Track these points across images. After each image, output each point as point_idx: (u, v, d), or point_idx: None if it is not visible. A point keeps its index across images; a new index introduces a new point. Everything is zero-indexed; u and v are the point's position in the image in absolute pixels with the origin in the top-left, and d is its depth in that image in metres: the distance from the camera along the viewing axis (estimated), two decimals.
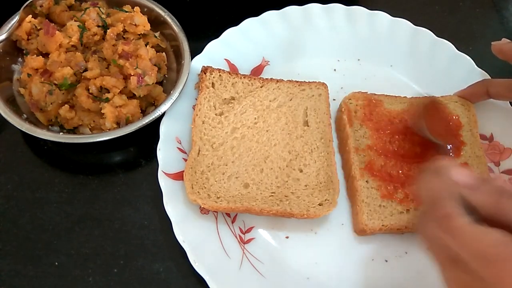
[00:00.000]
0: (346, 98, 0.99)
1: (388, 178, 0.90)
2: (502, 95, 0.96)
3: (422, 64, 1.08)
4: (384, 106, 0.98)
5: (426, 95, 1.03)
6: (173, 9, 1.02)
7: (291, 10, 1.10)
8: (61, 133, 0.91)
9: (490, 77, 1.02)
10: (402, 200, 0.89)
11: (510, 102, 1.00)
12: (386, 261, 0.88)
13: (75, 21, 0.95)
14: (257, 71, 1.05)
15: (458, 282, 0.61)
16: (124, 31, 0.97)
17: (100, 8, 0.98)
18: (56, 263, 0.85)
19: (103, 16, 0.97)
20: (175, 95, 0.93)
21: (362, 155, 0.93)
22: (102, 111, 0.90)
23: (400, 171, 0.91)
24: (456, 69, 1.05)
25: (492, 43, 0.97)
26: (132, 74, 0.91)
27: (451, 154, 0.94)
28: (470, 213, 0.59)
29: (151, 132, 0.93)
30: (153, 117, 0.91)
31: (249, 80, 1.00)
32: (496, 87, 0.96)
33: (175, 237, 0.84)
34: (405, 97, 1.01)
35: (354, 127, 0.96)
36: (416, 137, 0.94)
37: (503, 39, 0.98)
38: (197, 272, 0.81)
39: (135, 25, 0.97)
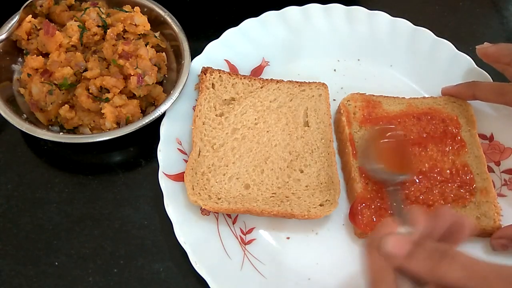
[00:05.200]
0: (344, 100, 0.99)
1: None
2: (489, 98, 0.97)
3: (422, 64, 1.07)
4: (383, 108, 0.98)
5: (425, 96, 1.03)
6: (173, 9, 1.02)
7: (291, 10, 1.10)
8: (61, 133, 0.91)
9: (490, 77, 1.02)
10: (402, 201, 0.88)
11: None
12: None
13: (75, 21, 0.95)
14: (257, 72, 1.05)
15: None
16: (124, 31, 0.97)
17: (100, 8, 0.98)
18: (56, 263, 0.85)
19: (103, 16, 0.97)
20: (175, 95, 0.93)
21: (362, 157, 0.92)
22: (102, 111, 0.90)
23: None
24: (456, 69, 1.05)
25: (476, 47, 0.97)
26: (132, 74, 0.91)
27: (406, 184, 0.90)
28: (412, 282, 0.63)
29: (151, 132, 0.93)
30: (153, 117, 0.91)
31: (249, 81, 1.00)
32: (482, 90, 0.97)
33: (175, 237, 0.84)
34: (404, 98, 1.01)
35: (353, 128, 0.96)
36: (416, 138, 0.95)
37: (485, 43, 0.98)
38: (197, 273, 0.81)
39: (135, 25, 0.97)
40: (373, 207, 0.88)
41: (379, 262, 0.66)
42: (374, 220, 0.86)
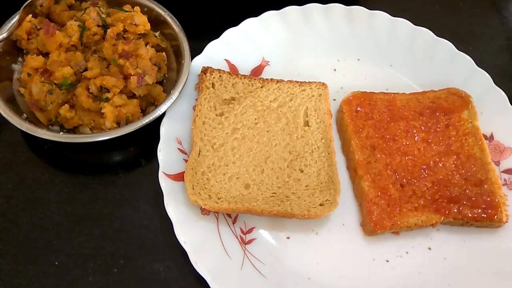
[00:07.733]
0: (346, 98, 0.99)
1: (394, 176, 0.91)
2: None
3: (422, 64, 1.08)
4: (385, 104, 0.98)
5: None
6: (173, 9, 1.02)
7: (291, 10, 1.10)
8: (61, 133, 0.91)
9: (490, 77, 1.02)
10: (410, 197, 0.89)
11: (510, 102, 1.00)
12: (387, 261, 0.88)
13: (75, 20, 0.95)
14: (257, 72, 1.05)
15: None
16: (124, 30, 0.97)
17: (100, 8, 0.98)
18: (56, 263, 0.85)
19: (103, 15, 0.97)
20: (175, 94, 0.93)
21: (367, 154, 0.93)
22: (102, 111, 0.90)
23: (406, 168, 0.91)
24: (456, 68, 1.05)
25: None
26: (132, 73, 0.91)
27: None
28: None
29: (151, 132, 0.93)
30: (153, 117, 0.91)
31: (249, 81, 1.00)
32: None
33: (175, 237, 0.84)
34: (404, 93, 1.01)
35: (356, 126, 0.96)
36: (419, 134, 0.95)
37: None
38: (197, 272, 0.81)
39: (135, 24, 0.97)
40: (382, 202, 0.88)
41: None
42: (385, 217, 0.87)
